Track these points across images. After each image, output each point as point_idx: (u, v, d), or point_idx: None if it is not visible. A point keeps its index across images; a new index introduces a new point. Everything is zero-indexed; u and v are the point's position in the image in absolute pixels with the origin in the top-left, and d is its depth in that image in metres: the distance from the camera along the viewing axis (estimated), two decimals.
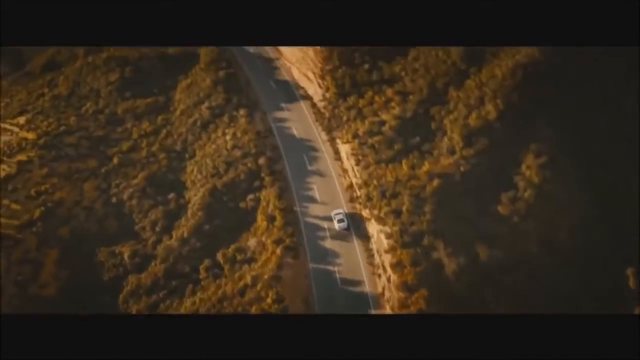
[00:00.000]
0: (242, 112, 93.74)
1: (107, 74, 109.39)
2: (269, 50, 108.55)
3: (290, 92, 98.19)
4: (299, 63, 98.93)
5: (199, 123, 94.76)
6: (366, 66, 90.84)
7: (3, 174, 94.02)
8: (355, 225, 77.79)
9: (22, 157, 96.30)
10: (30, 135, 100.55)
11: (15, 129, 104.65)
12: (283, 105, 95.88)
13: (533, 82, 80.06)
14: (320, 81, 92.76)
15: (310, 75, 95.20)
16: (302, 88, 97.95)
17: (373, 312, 70.31)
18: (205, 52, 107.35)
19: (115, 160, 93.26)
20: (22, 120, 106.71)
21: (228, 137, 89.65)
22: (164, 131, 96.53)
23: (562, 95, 79.40)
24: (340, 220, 78.28)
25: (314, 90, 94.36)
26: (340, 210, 79.36)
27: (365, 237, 76.16)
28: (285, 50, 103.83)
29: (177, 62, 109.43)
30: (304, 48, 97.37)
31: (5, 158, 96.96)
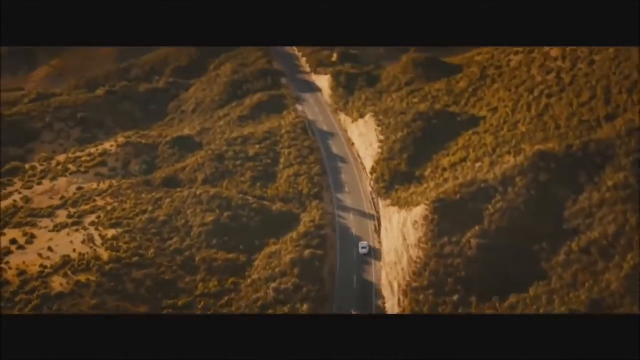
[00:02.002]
0: (305, 306, 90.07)
1: (205, 213, 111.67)
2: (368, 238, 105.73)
3: (368, 299, 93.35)
4: (390, 267, 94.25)
5: (259, 303, 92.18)
6: (455, 297, 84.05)
7: (58, 289, 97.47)
8: None
9: (82, 277, 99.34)
10: (105, 256, 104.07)
11: (98, 242, 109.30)
12: (353, 312, 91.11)
13: None
14: (401, 297, 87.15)
15: (395, 285, 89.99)
16: (383, 297, 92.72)
17: None
18: (305, 222, 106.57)
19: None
20: (110, 233, 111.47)
21: None
22: (226, 298, 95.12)
23: None
24: (363, 247, 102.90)
25: (391, 305, 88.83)
26: (365, 243, 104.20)
27: None
28: (385, 247, 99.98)
29: (276, 220, 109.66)
30: (401, 250, 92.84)
31: (69, 272, 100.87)
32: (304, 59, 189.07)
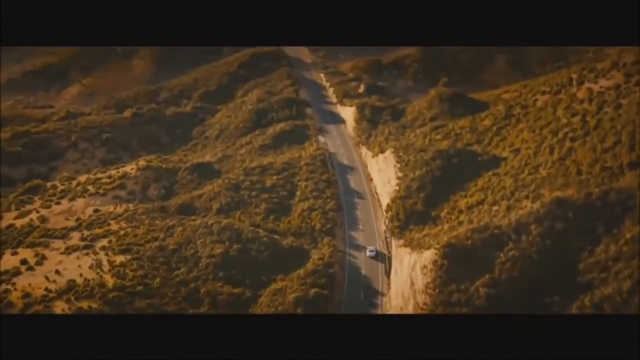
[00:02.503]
0: None
1: (215, 244, 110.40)
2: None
3: None
4: (396, 311, 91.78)
5: None
6: None
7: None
8: None
9: (85, 304, 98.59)
10: (110, 283, 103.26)
11: (106, 268, 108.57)
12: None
13: None
14: None
15: None
16: None
17: None
18: (314, 259, 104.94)
19: None
20: (119, 260, 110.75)
21: None
22: None
23: None
24: (371, 251, 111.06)
25: None
26: (373, 247, 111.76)
27: None
28: (393, 290, 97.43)
29: (286, 256, 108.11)
30: (409, 295, 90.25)
31: (72, 298, 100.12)
32: (331, 90, 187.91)
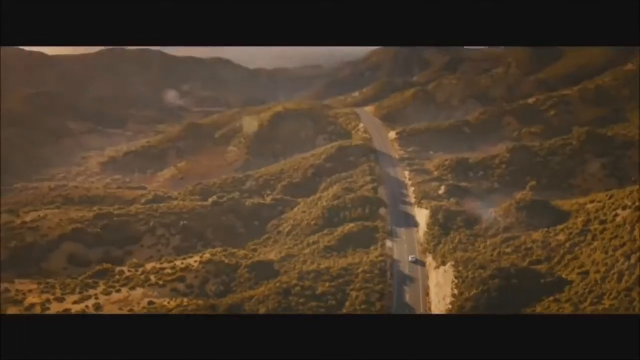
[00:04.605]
0: None
1: None
2: None
3: None
4: None
5: None
6: None
7: None
8: None
9: None
10: None
11: None
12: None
13: None
14: None
15: None
16: None
17: None
18: None
19: None
20: None
21: None
22: None
23: None
24: (412, 257, 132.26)
25: None
26: (414, 255, 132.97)
27: None
28: None
29: None
30: None
31: None
32: (412, 189, 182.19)
